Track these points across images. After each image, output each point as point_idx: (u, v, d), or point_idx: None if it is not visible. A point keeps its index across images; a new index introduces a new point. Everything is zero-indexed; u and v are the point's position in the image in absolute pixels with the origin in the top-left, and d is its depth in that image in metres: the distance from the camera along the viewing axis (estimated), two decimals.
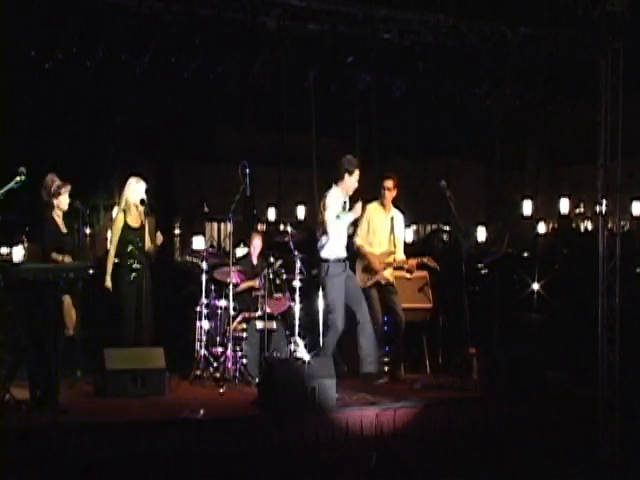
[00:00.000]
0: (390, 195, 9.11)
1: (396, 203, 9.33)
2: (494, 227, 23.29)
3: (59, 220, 8.43)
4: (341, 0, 7.67)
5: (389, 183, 9.09)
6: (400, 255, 9.13)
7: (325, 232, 8.51)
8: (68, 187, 8.38)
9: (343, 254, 8.62)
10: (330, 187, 8.69)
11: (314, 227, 9.02)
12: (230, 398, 8.07)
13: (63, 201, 8.37)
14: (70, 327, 8.29)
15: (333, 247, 8.55)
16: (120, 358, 7.96)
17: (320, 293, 8.68)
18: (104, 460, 6.51)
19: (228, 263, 9.01)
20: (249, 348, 8.95)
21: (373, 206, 9.18)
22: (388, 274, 9.09)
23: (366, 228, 9.11)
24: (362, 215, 8.92)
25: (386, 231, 9.13)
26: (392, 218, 9.17)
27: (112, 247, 8.70)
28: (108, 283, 8.62)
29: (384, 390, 8.18)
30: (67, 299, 8.20)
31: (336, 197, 8.60)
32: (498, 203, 25.87)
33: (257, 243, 9.95)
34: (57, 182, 8.33)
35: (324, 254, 8.57)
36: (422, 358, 9.70)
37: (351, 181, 8.61)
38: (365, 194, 8.99)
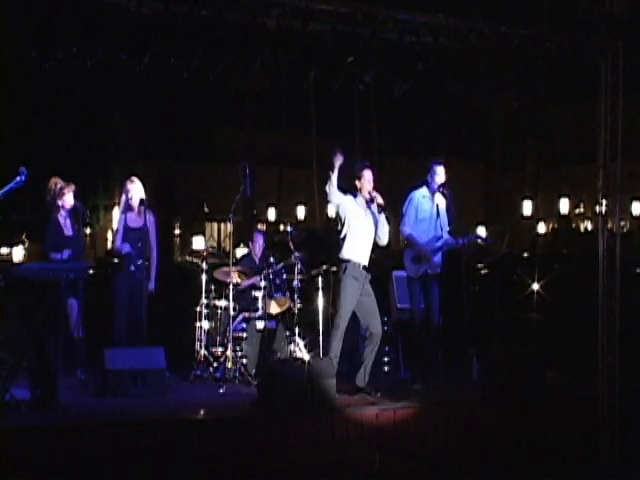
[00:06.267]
0: (439, 180, 8.57)
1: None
2: (494, 227, 23.31)
3: (64, 221, 8.45)
4: (341, 0, 7.66)
5: (440, 169, 8.59)
6: (446, 236, 8.62)
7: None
8: (72, 187, 8.48)
9: (363, 261, 8.14)
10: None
11: (313, 226, 8.94)
12: (230, 398, 8.07)
13: (68, 200, 8.45)
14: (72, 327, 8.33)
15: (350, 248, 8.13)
16: (120, 358, 7.96)
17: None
18: (104, 460, 6.51)
19: (228, 263, 9.01)
20: (249, 348, 8.94)
21: (421, 193, 8.67)
22: (437, 260, 8.62)
23: (414, 216, 8.61)
24: (410, 203, 8.61)
25: (432, 218, 8.62)
26: (437, 205, 8.65)
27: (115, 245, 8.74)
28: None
29: (384, 390, 8.16)
30: (70, 300, 8.24)
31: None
32: (498, 203, 25.89)
33: (260, 241, 9.95)
34: (60, 184, 8.39)
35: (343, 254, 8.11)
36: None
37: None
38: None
